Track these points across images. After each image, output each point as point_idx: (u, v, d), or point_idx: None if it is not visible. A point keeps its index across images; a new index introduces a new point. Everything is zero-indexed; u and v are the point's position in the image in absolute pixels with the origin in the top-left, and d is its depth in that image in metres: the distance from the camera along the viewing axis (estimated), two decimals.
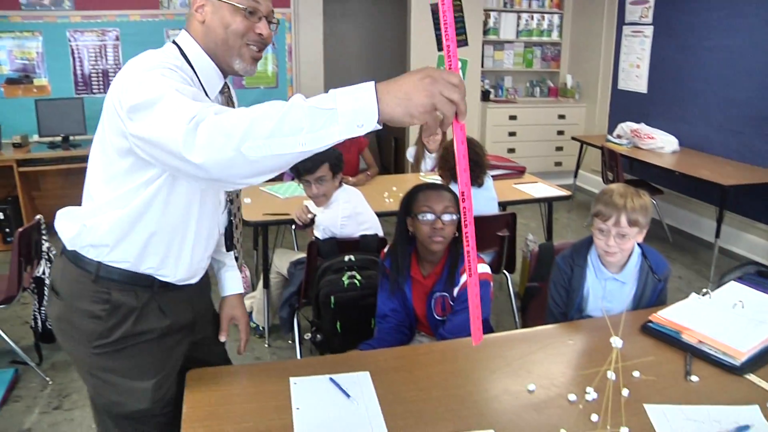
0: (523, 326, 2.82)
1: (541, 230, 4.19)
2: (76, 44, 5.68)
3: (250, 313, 3.70)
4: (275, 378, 1.72)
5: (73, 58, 5.71)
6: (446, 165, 3.38)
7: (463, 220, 1.20)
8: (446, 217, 2.13)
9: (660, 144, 5.49)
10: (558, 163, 7.12)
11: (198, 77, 1.52)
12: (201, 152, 1.13)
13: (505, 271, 3.56)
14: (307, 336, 3.10)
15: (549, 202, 3.91)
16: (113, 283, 1.54)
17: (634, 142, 5.64)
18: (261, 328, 3.72)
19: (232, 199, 1.80)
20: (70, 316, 1.57)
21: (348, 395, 1.65)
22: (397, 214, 2.29)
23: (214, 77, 1.57)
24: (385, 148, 7.38)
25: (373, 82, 1.11)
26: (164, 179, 1.46)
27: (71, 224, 1.56)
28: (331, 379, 1.72)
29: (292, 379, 1.70)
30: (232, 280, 1.93)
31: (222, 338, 1.88)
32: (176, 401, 1.66)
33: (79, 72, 5.74)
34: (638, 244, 2.20)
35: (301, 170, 2.98)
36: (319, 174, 3.00)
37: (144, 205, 1.48)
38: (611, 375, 1.40)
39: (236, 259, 1.94)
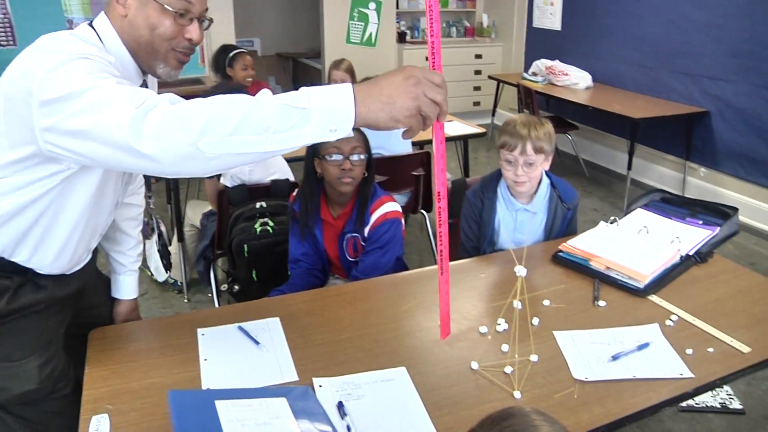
0: None
1: (459, 169, 4.19)
2: None
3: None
4: (182, 331, 1.65)
5: None
6: None
7: (437, 219, 1.18)
8: (355, 158, 2.07)
9: (574, 80, 5.56)
10: (476, 103, 7.14)
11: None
12: (152, 143, 1.04)
13: (422, 211, 3.55)
14: (224, 287, 3.03)
15: (464, 140, 3.89)
16: None
17: (549, 79, 5.69)
18: (179, 284, 3.61)
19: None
20: None
21: (257, 342, 1.60)
22: (305, 156, 2.21)
23: (133, 75, 1.40)
24: None
25: (350, 85, 1.05)
26: (61, 179, 1.30)
27: None
28: (239, 327, 1.66)
29: (199, 331, 1.64)
30: (130, 286, 1.81)
31: None
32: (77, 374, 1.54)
33: None
34: (547, 174, 2.21)
35: None
36: None
37: (29, 202, 1.32)
38: (517, 304, 1.39)
39: (150, 209, 1.82)
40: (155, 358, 1.54)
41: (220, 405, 1.33)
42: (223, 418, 1.30)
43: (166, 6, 1.31)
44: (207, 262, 3.26)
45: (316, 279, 2.27)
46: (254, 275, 2.72)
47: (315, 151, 2.13)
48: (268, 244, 2.67)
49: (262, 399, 1.39)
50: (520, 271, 1.35)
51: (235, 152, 1.04)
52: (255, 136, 1.02)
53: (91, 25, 1.37)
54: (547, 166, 2.14)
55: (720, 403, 2.60)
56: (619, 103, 4.94)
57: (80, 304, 1.64)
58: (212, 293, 3.32)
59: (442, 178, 1.15)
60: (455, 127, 3.94)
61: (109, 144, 1.08)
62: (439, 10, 1.10)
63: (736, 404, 2.60)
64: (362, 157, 2.08)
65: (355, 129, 2.16)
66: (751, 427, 2.50)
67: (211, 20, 1.43)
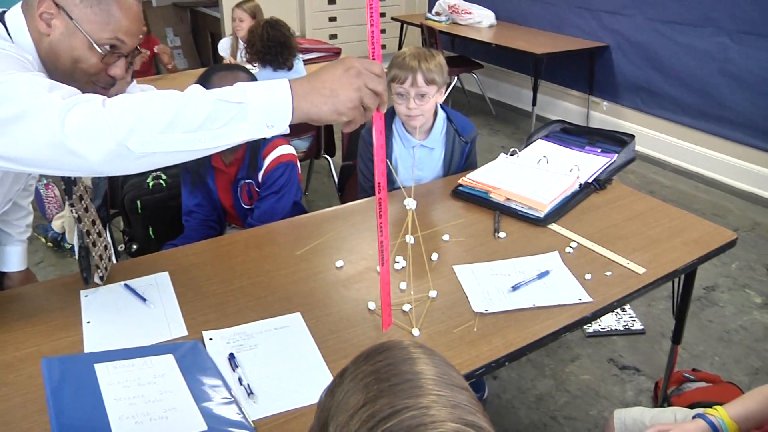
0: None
1: None
2: None
3: (63, 234, 3.38)
4: (64, 294, 1.51)
5: None
6: (252, 48, 3.14)
7: (377, 211, 1.14)
8: None
9: (477, 18, 5.50)
10: (383, 46, 6.97)
11: None
12: (78, 139, 0.98)
13: (326, 156, 3.45)
14: (121, 248, 2.86)
15: None
16: None
17: (453, 18, 5.62)
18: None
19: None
20: None
21: (144, 299, 1.49)
22: None
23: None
24: (201, 44, 6.89)
25: (287, 80, 1.02)
26: None
27: None
28: (125, 285, 1.54)
29: (82, 293, 1.51)
30: (17, 256, 1.69)
31: None
32: None
33: None
34: (443, 108, 2.15)
35: None
36: None
37: None
38: (410, 239, 1.33)
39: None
40: (33, 326, 1.40)
41: (100, 368, 1.23)
42: (103, 381, 1.20)
43: (95, 45, 1.19)
44: (102, 221, 3.08)
45: (212, 230, 2.15)
46: (151, 232, 2.57)
47: None
48: (162, 199, 2.52)
49: (146, 358, 1.30)
50: (410, 204, 1.28)
51: (166, 151, 1.00)
52: (188, 134, 0.99)
53: (2, 21, 1.22)
54: (440, 99, 2.08)
55: (623, 325, 2.68)
56: (523, 40, 4.93)
57: None
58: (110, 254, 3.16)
59: (382, 168, 1.12)
60: None
61: (36, 140, 1.01)
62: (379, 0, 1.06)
63: (637, 325, 2.68)
64: None
65: (243, 70, 2.06)
66: (649, 344, 2.59)
67: (140, 53, 1.31)
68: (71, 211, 1.47)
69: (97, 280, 1.54)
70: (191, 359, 1.29)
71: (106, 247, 1.58)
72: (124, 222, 2.72)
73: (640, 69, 4.60)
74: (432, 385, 0.61)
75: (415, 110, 2.02)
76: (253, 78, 2.02)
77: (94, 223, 1.56)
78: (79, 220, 1.48)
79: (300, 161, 3.70)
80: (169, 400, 1.18)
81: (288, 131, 1.05)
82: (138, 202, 2.50)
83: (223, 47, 4.37)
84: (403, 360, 0.65)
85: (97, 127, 0.98)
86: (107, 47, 1.23)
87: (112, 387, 1.19)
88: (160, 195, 2.52)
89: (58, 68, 1.23)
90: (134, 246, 2.70)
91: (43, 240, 3.47)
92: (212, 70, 2.00)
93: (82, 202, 1.50)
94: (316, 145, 3.33)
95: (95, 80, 1.27)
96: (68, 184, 1.44)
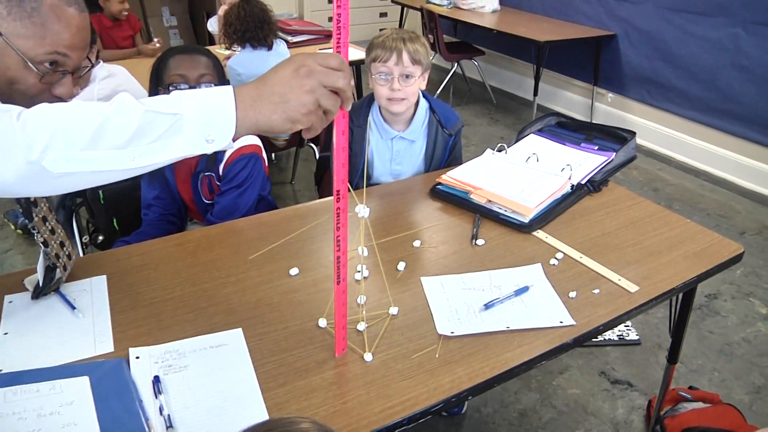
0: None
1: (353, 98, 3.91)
2: None
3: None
4: None
5: None
6: (230, 29, 2.95)
7: (335, 221, 1.02)
8: (203, 87, 1.75)
9: (480, 3, 5.29)
10: (383, 29, 6.77)
11: None
12: None
13: (311, 144, 3.27)
14: (86, 239, 2.70)
15: (356, 65, 3.59)
16: None
17: (455, 2, 5.40)
18: None
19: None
20: None
21: (73, 307, 1.32)
22: (149, 86, 1.88)
23: None
24: (198, 23, 6.69)
25: (230, 86, 0.89)
26: None
27: None
28: (56, 290, 1.38)
29: (7, 298, 1.34)
30: None
31: None
32: None
33: None
34: (425, 97, 1.97)
35: None
36: None
37: None
38: (362, 250, 1.15)
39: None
40: None
41: None
42: None
43: (30, 64, 1.03)
44: (68, 212, 2.92)
45: (172, 225, 1.98)
46: (115, 223, 2.41)
47: (158, 81, 1.81)
48: (126, 188, 2.34)
49: (56, 381, 1.14)
50: (362, 211, 1.09)
51: (89, 170, 0.87)
52: (113, 150, 0.86)
53: None
54: (423, 85, 1.90)
55: (618, 335, 2.51)
56: (526, 26, 4.73)
57: None
58: (75, 245, 3.01)
59: (342, 174, 0.97)
60: (351, 53, 3.60)
61: None
62: None
63: (633, 335, 2.51)
64: (212, 85, 1.77)
65: (203, 53, 1.87)
66: (645, 356, 2.42)
67: (92, 64, 1.14)
68: (35, 236, 1.30)
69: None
70: (109, 383, 1.12)
71: (69, 257, 1.41)
72: (87, 212, 2.56)
73: (648, 59, 4.39)
74: None
75: (399, 92, 1.84)
76: (217, 62, 1.83)
77: (62, 245, 1.38)
78: (45, 243, 1.31)
79: (282, 150, 3.55)
80: None
81: (232, 145, 0.90)
82: (100, 192, 2.34)
83: (212, 25, 4.21)
84: None
85: (7, 145, 0.85)
86: (47, 65, 1.06)
87: (4, 420, 1.02)
88: (123, 184, 2.33)
89: None
90: (100, 237, 2.55)
91: (13, 227, 3.32)
92: (169, 53, 1.81)
93: (47, 224, 1.33)
94: (299, 132, 3.14)
95: (39, 100, 1.09)
96: (27, 205, 1.27)
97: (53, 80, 1.09)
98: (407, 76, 1.85)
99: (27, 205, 1.28)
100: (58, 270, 1.33)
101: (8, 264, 3.13)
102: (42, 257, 1.33)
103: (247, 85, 0.91)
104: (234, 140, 0.90)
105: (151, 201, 1.96)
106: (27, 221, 1.30)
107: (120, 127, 0.86)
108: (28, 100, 1.09)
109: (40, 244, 1.31)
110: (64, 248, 1.38)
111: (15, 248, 3.24)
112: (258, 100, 0.89)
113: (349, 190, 1.05)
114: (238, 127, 0.89)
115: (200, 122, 0.87)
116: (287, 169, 4.02)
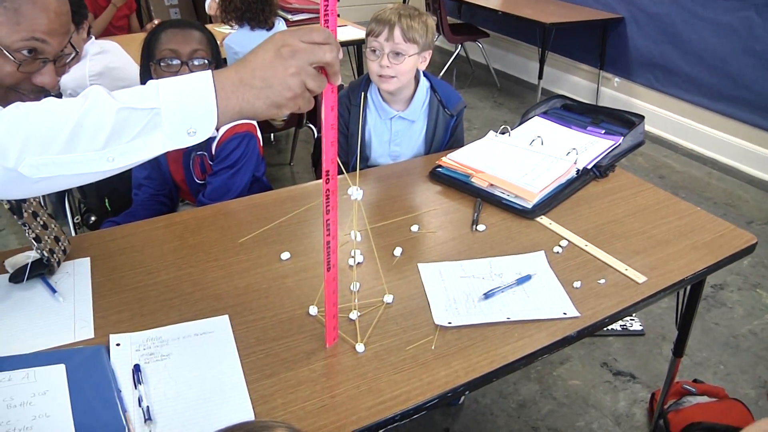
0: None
1: (353, 77, 3.82)
2: None
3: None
4: None
5: None
6: (230, 6, 2.86)
7: (324, 205, 0.96)
8: (196, 62, 1.68)
9: None
10: None
11: None
12: None
13: (310, 125, 3.19)
14: (77, 219, 2.65)
15: (356, 45, 3.50)
16: None
17: None
18: None
19: None
20: None
21: (54, 291, 1.26)
22: (140, 62, 1.80)
23: None
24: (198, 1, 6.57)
25: (209, 72, 0.83)
26: None
27: None
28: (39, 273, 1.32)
29: None
30: None
31: None
32: None
33: None
34: (426, 76, 1.89)
35: None
36: None
37: None
38: (354, 235, 1.09)
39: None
40: None
41: None
42: None
43: (5, 52, 1.00)
44: (59, 192, 2.86)
45: (162, 206, 1.92)
46: (107, 203, 2.35)
47: (150, 54, 1.74)
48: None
49: (31, 369, 1.07)
50: (354, 193, 1.02)
51: (68, 173, 0.83)
52: (91, 153, 0.82)
53: None
54: (423, 65, 1.82)
55: (621, 325, 2.44)
56: (531, 8, 4.63)
57: None
58: (67, 225, 2.95)
59: (332, 153, 0.90)
60: (348, 32, 3.49)
61: None
62: None
63: (636, 326, 2.45)
64: (205, 61, 1.70)
65: (197, 27, 1.80)
66: (648, 347, 2.36)
67: (77, 52, 1.11)
68: (26, 233, 1.24)
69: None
70: (86, 371, 1.06)
71: (64, 251, 1.34)
72: (78, 192, 2.50)
73: (656, 44, 4.30)
74: None
75: (388, 70, 1.76)
76: (211, 37, 1.76)
77: (57, 240, 1.32)
78: (37, 239, 1.25)
79: (281, 130, 3.48)
80: (41, 428, 0.95)
81: (216, 134, 0.83)
82: None
83: (208, 2, 4.10)
84: None
85: None
86: (24, 53, 1.01)
87: None
88: None
89: None
90: (92, 218, 2.49)
91: (6, 206, 3.25)
92: (161, 27, 1.73)
93: (38, 219, 1.27)
94: (298, 113, 3.07)
95: (20, 89, 1.07)
96: (16, 202, 1.22)
97: (33, 69, 1.05)
98: (397, 54, 1.77)
99: (16, 202, 1.23)
100: (52, 264, 1.28)
101: (0, 244, 3.08)
102: (34, 252, 1.28)
103: (227, 70, 0.84)
104: (217, 129, 0.84)
105: (141, 181, 1.90)
106: (17, 218, 1.24)
107: (95, 128, 0.81)
108: (4, 91, 1.05)
109: (32, 241, 1.25)
110: (60, 243, 1.33)
111: (8, 228, 3.18)
112: (240, 85, 0.83)
113: (341, 172, 0.99)
114: (221, 116, 0.83)
115: (179, 114, 0.82)
116: (286, 151, 3.95)
